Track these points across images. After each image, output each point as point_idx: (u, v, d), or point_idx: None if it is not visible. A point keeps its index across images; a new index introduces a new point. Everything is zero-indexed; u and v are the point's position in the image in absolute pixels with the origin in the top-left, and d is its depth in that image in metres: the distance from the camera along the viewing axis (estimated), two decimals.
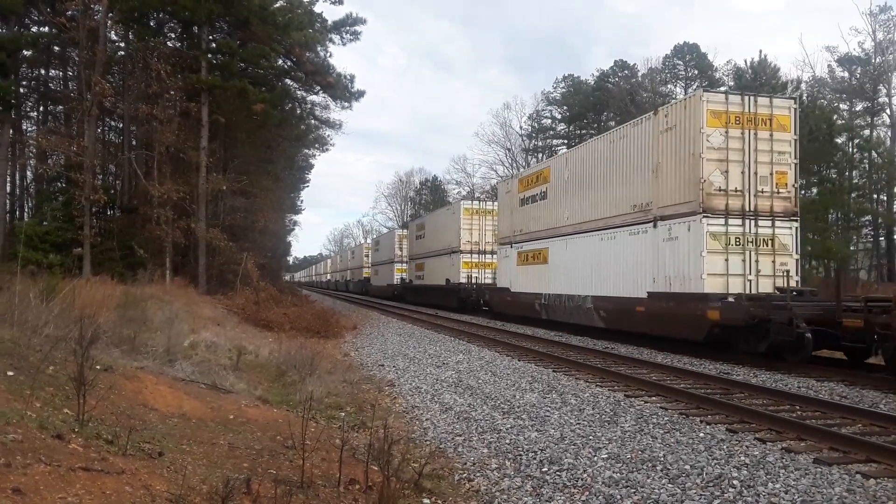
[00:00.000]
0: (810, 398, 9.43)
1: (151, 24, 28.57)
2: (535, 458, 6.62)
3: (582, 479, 5.94)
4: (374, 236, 74.93)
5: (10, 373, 6.03)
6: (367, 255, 64.00)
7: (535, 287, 22.64)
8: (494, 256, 30.95)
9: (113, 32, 28.44)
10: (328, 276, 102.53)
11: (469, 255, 32.86)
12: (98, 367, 7.01)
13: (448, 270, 34.25)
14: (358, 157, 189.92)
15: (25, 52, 28.18)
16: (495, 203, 32.64)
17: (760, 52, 74.94)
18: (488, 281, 31.74)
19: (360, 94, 30.89)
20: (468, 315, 29.19)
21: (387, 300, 46.61)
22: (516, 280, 24.59)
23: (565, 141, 65.84)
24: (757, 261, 14.42)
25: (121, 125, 30.96)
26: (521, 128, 69.50)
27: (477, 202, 35.32)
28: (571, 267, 19.94)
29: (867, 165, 40.26)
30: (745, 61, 43.22)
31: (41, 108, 34.34)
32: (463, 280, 32.53)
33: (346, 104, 31.53)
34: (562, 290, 20.56)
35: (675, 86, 57.06)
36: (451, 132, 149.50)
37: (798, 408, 8.95)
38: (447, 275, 34.18)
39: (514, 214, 25.26)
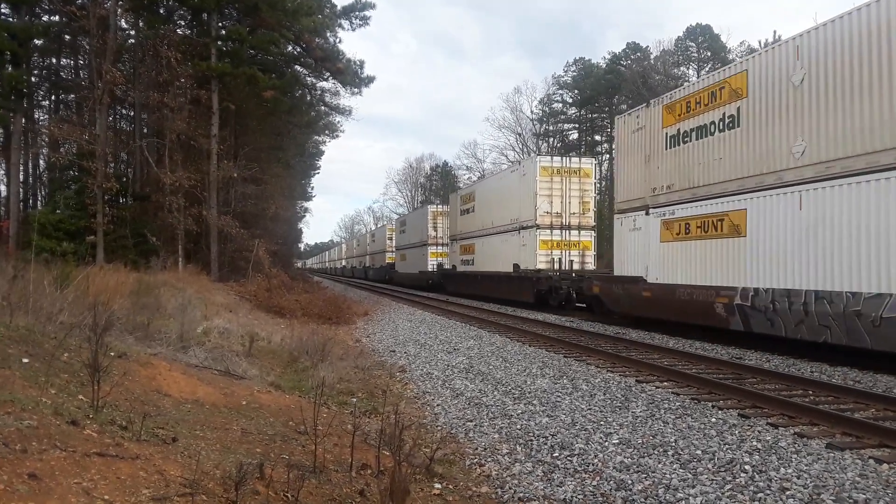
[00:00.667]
0: (823, 383, 9.38)
1: (161, 11, 28.60)
2: (546, 444, 6.63)
3: (593, 465, 5.95)
4: (399, 216, 66.24)
5: (26, 360, 6.09)
6: (391, 238, 55.92)
7: (712, 276, 14.37)
8: (584, 233, 25.35)
9: (123, 21, 28.50)
10: (343, 263, 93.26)
11: (548, 232, 24.72)
12: (112, 353, 7.07)
13: (516, 253, 25.97)
14: (369, 143, 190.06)
15: (37, 42, 28.34)
16: (584, 160, 26.51)
17: (774, 32, 73.90)
18: (575, 266, 24.81)
19: (370, 79, 30.87)
20: (560, 315, 21.85)
21: (419, 290, 39.85)
22: (663, 264, 16.14)
23: (576, 125, 65.45)
24: None
25: (132, 113, 31.10)
26: (531, 112, 69.17)
27: (559, 158, 25.92)
28: (820, 240, 11.55)
29: None
30: (759, 42, 42.67)
31: (53, 97, 34.55)
32: (542, 265, 24.45)
33: (356, 90, 31.55)
34: (790, 281, 12.21)
35: (688, 68, 56.50)
36: (462, 118, 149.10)
37: (811, 392, 8.92)
38: (514, 259, 25.90)
39: (655, 163, 16.72)
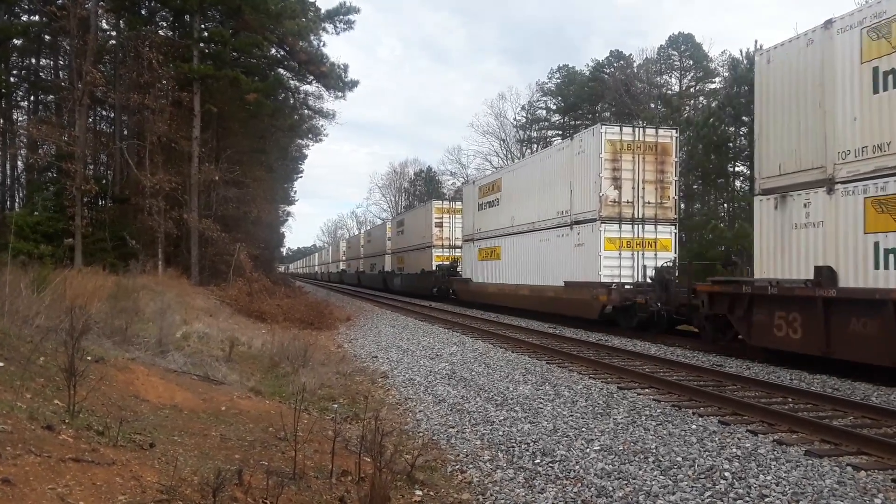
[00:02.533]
0: (802, 390, 9.47)
1: (143, 12, 28.39)
2: (527, 450, 6.63)
3: (574, 471, 5.95)
4: (467, 179, 39.90)
5: (1, 363, 5.99)
6: (442, 224, 36.32)
7: None
8: None
9: (104, 21, 28.23)
10: (341, 266, 73.47)
11: None
12: (89, 357, 6.98)
13: None
14: (354, 148, 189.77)
15: (16, 41, 28.05)
16: None
17: (756, 42, 74.77)
18: None
19: (354, 83, 30.74)
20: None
21: (580, 326, 19.53)
22: None
23: (560, 132, 65.74)
24: None
25: (112, 115, 30.80)
26: (515, 119, 69.40)
27: None
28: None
29: None
30: (741, 51, 43.16)
31: (32, 98, 34.11)
32: None
33: (340, 94, 31.36)
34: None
35: (671, 76, 57.01)
36: (447, 123, 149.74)
37: (790, 400, 8.99)
38: None
39: None
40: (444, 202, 39.17)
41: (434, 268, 35.37)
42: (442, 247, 36.24)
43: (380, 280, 48.32)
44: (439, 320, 22.20)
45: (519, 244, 23.79)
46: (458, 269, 32.78)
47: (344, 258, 72.11)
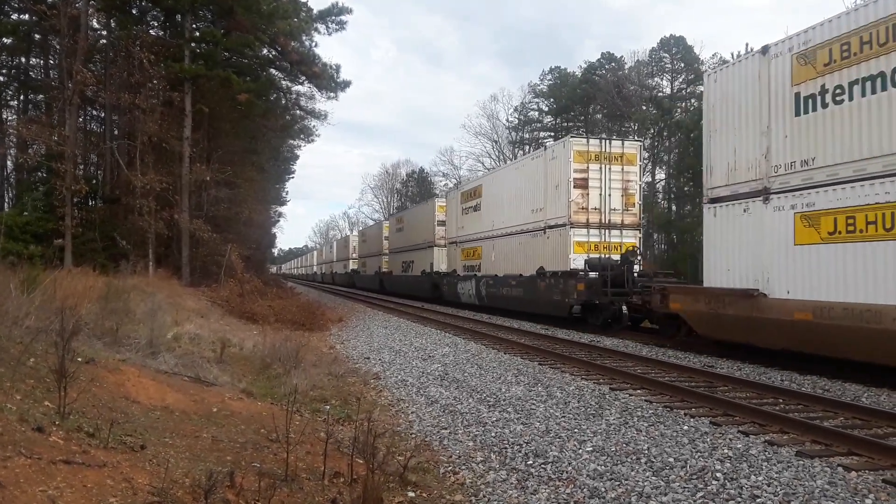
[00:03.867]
0: (793, 391, 9.51)
1: (134, 12, 28.23)
2: (520, 451, 6.63)
3: (567, 472, 5.96)
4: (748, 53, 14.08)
5: None
6: (585, 182, 19.55)
7: None
8: None
9: (95, 20, 28.07)
10: (350, 265, 59.12)
11: None
12: (80, 359, 6.94)
13: None
14: (347, 149, 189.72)
15: (5, 40, 27.84)
16: None
17: (746, 45, 75.10)
18: None
19: (346, 84, 30.72)
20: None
21: None
22: None
23: (552, 133, 65.83)
24: None
25: (103, 114, 30.62)
26: (507, 120, 69.49)
27: None
28: None
29: None
30: (731, 54, 43.28)
31: (21, 97, 33.89)
32: None
33: (332, 94, 31.33)
34: None
35: (662, 79, 57.18)
36: (440, 125, 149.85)
37: (781, 401, 9.03)
38: None
39: None
40: (591, 139, 20.44)
41: (580, 265, 19.27)
42: (587, 225, 19.88)
43: (425, 286, 33.65)
44: (432, 321, 22.13)
45: None
46: (638, 267, 19.35)
47: (356, 255, 56.17)
